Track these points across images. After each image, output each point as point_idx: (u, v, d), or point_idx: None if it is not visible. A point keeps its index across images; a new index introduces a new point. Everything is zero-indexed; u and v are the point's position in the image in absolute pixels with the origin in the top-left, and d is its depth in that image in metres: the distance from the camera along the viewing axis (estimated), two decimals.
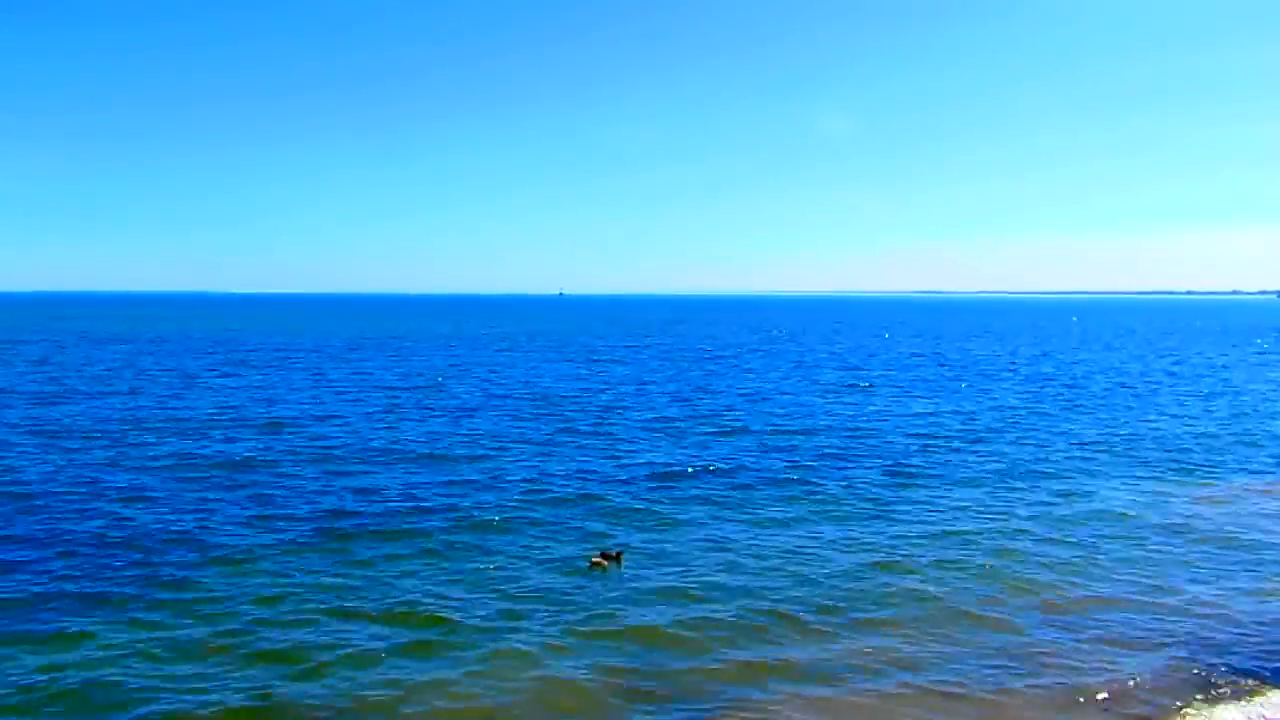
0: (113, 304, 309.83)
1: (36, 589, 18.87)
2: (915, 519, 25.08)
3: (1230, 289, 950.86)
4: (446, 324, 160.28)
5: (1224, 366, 75.31)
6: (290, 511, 25.05)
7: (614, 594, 19.08)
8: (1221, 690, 15.27)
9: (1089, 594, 19.50)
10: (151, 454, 32.68)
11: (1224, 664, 16.16)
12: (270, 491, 27.31)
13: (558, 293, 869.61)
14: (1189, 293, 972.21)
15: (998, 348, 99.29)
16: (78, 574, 19.82)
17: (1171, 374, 68.34)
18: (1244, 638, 17.30)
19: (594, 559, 20.82)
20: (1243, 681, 15.55)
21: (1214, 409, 47.85)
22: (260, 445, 34.79)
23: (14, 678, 15.09)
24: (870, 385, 58.51)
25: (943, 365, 75.32)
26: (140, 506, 25.41)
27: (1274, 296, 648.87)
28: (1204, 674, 15.75)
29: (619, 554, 21.21)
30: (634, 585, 19.59)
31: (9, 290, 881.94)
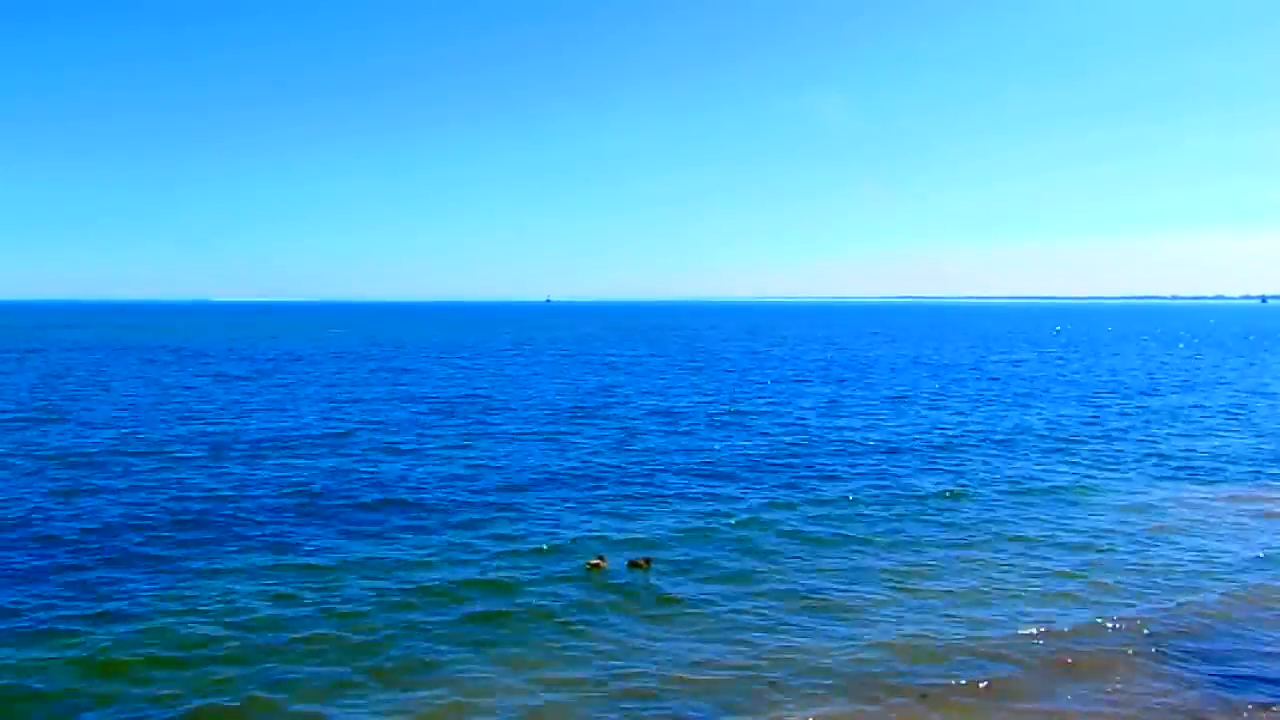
0: (127, 313, 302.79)
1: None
2: (942, 531, 24.36)
3: (1214, 294, 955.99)
4: (441, 332, 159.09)
5: None
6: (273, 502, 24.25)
7: (627, 599, 18.44)
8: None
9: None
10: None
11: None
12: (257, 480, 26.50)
13: (545, 299, 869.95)
14: (1174, 297, 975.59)
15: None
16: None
17: None
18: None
19: (591, 562, 20.34)
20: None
21: None
22: (273, 452, 33.94)
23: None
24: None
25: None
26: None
27: (1258, 301, 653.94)
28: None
29: (648, 561, 20.56)
30: (658, 591, 18.92)
31: (9, 299, 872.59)
